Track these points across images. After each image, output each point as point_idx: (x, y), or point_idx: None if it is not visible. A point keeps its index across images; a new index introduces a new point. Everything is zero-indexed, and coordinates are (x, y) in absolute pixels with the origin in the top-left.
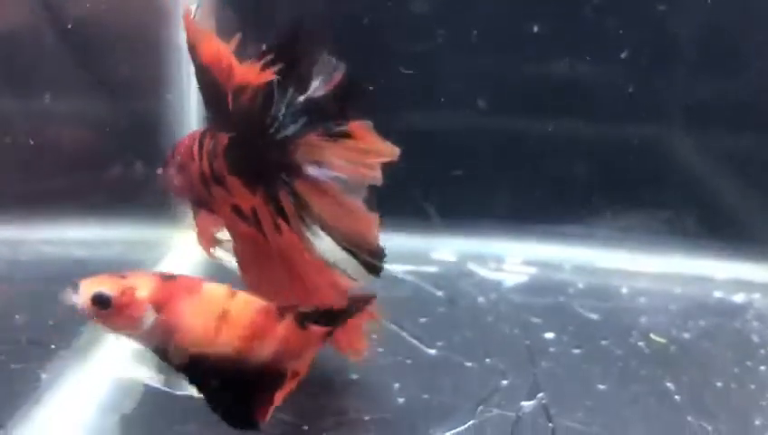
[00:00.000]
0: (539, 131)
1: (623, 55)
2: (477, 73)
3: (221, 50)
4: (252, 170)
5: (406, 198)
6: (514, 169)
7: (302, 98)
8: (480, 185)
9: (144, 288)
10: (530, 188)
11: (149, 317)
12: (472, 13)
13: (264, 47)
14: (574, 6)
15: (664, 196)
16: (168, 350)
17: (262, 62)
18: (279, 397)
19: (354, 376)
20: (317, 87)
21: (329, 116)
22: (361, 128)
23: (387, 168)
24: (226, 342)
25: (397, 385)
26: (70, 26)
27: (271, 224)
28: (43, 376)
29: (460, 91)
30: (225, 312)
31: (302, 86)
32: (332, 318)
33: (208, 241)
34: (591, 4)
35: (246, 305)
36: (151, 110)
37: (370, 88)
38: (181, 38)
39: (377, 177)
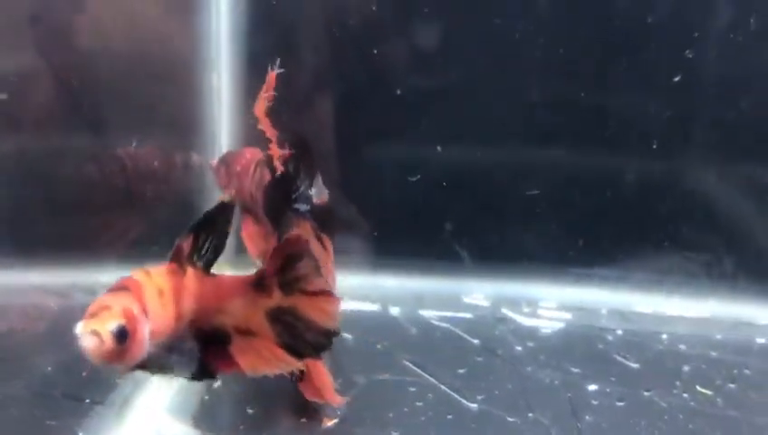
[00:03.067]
0: (571, 170)
1: (676, 79)
2: (506, 110)
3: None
4: (272, 215)
5: (436, 240)
6: (546, 209)
7: (309, 192)
8: (511, 226)
9: (131, 304)
10: (562, 228)
11: (147, 330)
12: (493, 46)
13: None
14: (605, 43)
15: (701, 237)
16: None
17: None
18: (239, 356)
19: (395, 433)
20: (315, 194)
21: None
22: (330, 243)
23: (415, 206)
24: (170, 314)
25: None
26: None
27: None
28: (80, 434)
29: (490, 130)
30: (159, 289)
31: (310, 184)
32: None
33: (255, 247)
34: (619, 37)
35: (159, 274)
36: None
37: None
38: (214, 80)
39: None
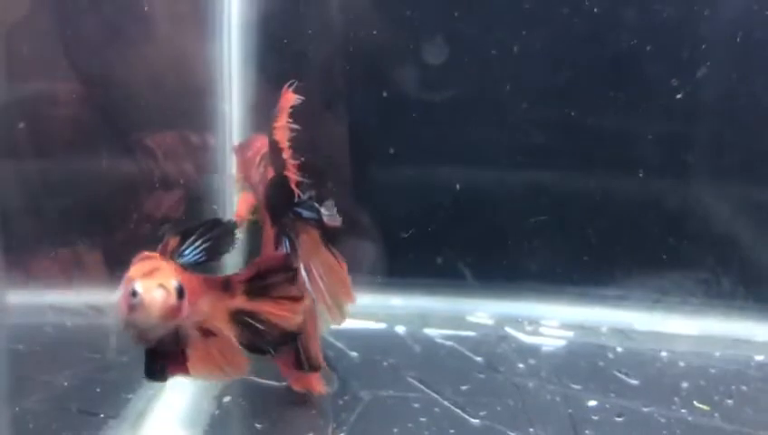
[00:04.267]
0: (571, 191)
1: (678, 96)
2: (510, 133)
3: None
4: (273, 213)
5: (440, 260)
6: (547, 230)
7: (315, 203)
8: (513, 247)
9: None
10: (563, 248)
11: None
12: (496, 63)
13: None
14: (603, 65)
15: (700, 256)
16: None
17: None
18: (191, 356)
19: None
20: (327, 218)
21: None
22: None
23: (420, 227)
24: None
25: None
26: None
27: None
28: None
29: (492, 152)
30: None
31: (320, 199)
32: (215, 248)
33: (242, 214)
34: (617, 58)
35: (153, 262)
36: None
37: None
38: (225, 107)
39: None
